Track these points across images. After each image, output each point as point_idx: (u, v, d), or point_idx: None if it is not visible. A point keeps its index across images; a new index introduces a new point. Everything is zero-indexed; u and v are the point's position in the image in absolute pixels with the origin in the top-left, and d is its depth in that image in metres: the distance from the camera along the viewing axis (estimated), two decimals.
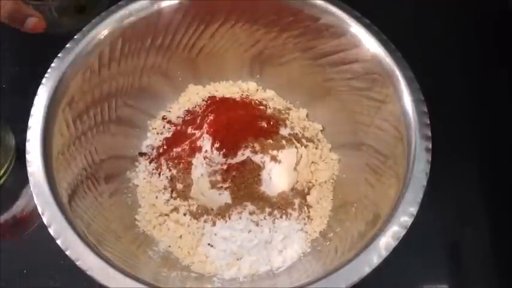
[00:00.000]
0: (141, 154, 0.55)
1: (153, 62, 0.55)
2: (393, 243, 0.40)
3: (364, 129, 0.51)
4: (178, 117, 0.56)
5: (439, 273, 0.54)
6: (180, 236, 0.50)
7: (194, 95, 0.58)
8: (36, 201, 0.41)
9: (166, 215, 0.51)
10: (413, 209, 0.42)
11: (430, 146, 0.44)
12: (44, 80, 0.46)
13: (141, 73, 0.55)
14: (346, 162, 0.54)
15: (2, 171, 0.54)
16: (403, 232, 0.41)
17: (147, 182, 0.53)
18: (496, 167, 0.59)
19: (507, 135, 0.61)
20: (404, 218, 0.41)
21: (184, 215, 0.50)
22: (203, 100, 0.57)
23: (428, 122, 0.45)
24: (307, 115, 0.57)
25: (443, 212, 0.56)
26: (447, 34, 0.67)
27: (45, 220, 0.40)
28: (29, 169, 0.43)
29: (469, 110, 0.62)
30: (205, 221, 0.49)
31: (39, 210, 0.41)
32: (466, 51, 0.66)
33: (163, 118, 0.56)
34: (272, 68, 0.58)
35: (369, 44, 0.49)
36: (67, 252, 0.39)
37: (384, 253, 0.40)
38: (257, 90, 0.58)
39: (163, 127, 0.56)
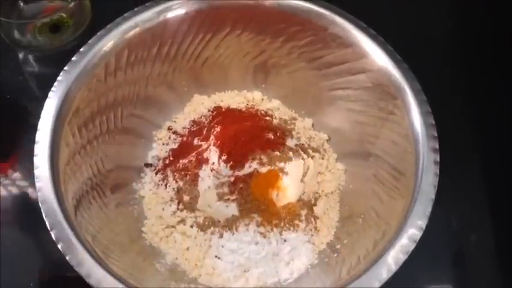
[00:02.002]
0: (147, 165, 0.54)
1: (159, 72, 0.55)
2: (402, 258, 0.40)
3: (371, 140, 0.51)
4: (184, 127, 0.56)
5: (444, 279, 0.53)
6: (187, 248, 0.50)
7: (199, 105, 0.58)
8: (44, 217, 0.41)
9: (173, 226, 0.51)
10: (422, 223, 0.42)
11: (438, 159, 0.44)
12: (50, 94, 0.46)
13: (147, 83, 0.55)
14: (353, 173, 0.54)
15: None
16: (412, 246, 0.41)
17: (154, 194, 0.53)
18: (500, 171, 0.59)
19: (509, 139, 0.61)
20: (413, 232, 0.41)
21: (191, 227, 0.50)
22: (208, 110, 0.57)
23: (436, 134, 0.45)
24: (312, 125, 0.57)
25: (448, 217, 0.56)
26: (450, 41, 0.67)
27: (54, 237, 0.40)
28: (38, 184, 0.42)
29: (472, 115, 0.62)
30: (212, 233, 0.49)
31: (48, 226, 0.41)
32: (467, 56, 0.66)
33: (169, 128, 0.56)
34: (277, 78, 0.58)
35: (376, 54, 0.49)
36: (77, 269, 0.39)
37: (394, 267, 0.40)
38: (262, 99, 0.58)
39: (169, 137, 0.56)
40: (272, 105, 0.58)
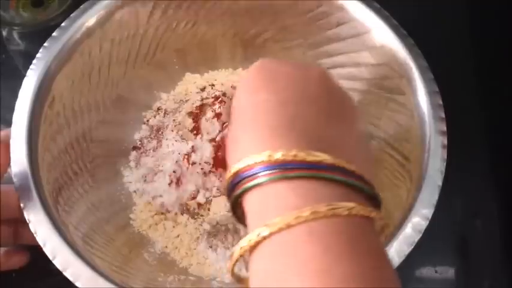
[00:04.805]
0: (135, 148, 0.51)
1: (147, 50, 0.51)
2: (407, 249, 0.37)
3: (374, 122, 0.48)
4: (173, 108, 0.53)
5: (448, 263, 0.52)
6: (178, 236, 0.47)
7: (191, 84, 0.54)
8: (21, 205, 0.38)
9: (162, 213, 0.48)
10: (428, 211, 0.38)
11: (445, 142, 0.41)
12: (29, 72, 0.43)
13: (135, 61, 0.51)
14: None
15: None
16: (417, 237, 0.38)
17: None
18: (507, 160, 0.57)
19: None
20: (419, 221, 0.38)
21: (182, 214, 0.47)
22: (201, 89, 0.54)
23: (444, 115, 0.42)
24: None
25: (452, 203, 0.54)
26: (459, 18, 0.64)
27: (32, 228, 0.37)
28: (14, 169, 0.39)
29: (480, 98, 0.59)
30: (203, 221, 0.47)
31: (26, 216, 0.38)
32: (477, 35, 0.63)
33: (159, 109, 0.53)
34: (272, 55, 0.53)
35: (379, 30, 0.46)
36: (54, 261, 0.36)
37: (398, 260, 0.37)
38: None
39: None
40: None
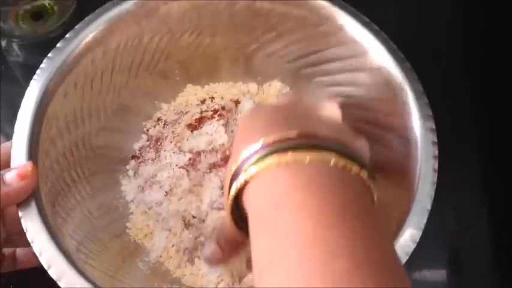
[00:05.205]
0: (134, 157, 0.52)
1: (150, 60, 0.52)
2: None
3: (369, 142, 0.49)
4: (173, 120, 0.54)
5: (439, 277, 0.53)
6: (172, 246, 0.48)
7: (192, 96, 0.55)
8: (20, 215, 0.39)
9: (157, 222, 0.49)
10: (417, 234, 0.39)
11: (436, 166, 0.42)
12: (32, 82, 0.44)
13: (137, 72, 0.52)
14: None
15: None
16: (404, 259, 0.39)
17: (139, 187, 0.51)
18: (498, 171, 0.58)
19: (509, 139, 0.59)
20: (407, 243, 0.39)
21: (177, 224, 0.48)
22: (201, 102, 0.55)
23: (436, 140, 0.43)
24: None
25: (444, 216, 0.55)
26: (451, 37, 0.65)
27: (29, 237, 0.38)
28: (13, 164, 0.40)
29: (470, 112, 0.61)
30: (199, 232, 0.47)
31: (23, 225, 0.38)
32: (468, 52, 0.65)
33: (159, 119, 0.54)
34: (273, 70, 0.55)
35: (378, 52, 0.47)
36: (49, 271, 0.37)
37: None
38: (257, 93, 0.55)
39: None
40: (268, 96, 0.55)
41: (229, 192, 0.33)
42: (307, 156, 0.31)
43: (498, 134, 0.59)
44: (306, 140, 0.32)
